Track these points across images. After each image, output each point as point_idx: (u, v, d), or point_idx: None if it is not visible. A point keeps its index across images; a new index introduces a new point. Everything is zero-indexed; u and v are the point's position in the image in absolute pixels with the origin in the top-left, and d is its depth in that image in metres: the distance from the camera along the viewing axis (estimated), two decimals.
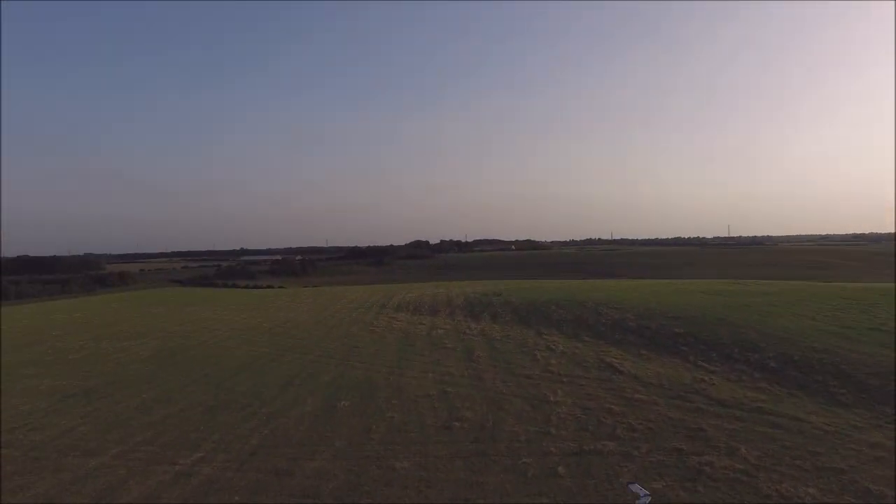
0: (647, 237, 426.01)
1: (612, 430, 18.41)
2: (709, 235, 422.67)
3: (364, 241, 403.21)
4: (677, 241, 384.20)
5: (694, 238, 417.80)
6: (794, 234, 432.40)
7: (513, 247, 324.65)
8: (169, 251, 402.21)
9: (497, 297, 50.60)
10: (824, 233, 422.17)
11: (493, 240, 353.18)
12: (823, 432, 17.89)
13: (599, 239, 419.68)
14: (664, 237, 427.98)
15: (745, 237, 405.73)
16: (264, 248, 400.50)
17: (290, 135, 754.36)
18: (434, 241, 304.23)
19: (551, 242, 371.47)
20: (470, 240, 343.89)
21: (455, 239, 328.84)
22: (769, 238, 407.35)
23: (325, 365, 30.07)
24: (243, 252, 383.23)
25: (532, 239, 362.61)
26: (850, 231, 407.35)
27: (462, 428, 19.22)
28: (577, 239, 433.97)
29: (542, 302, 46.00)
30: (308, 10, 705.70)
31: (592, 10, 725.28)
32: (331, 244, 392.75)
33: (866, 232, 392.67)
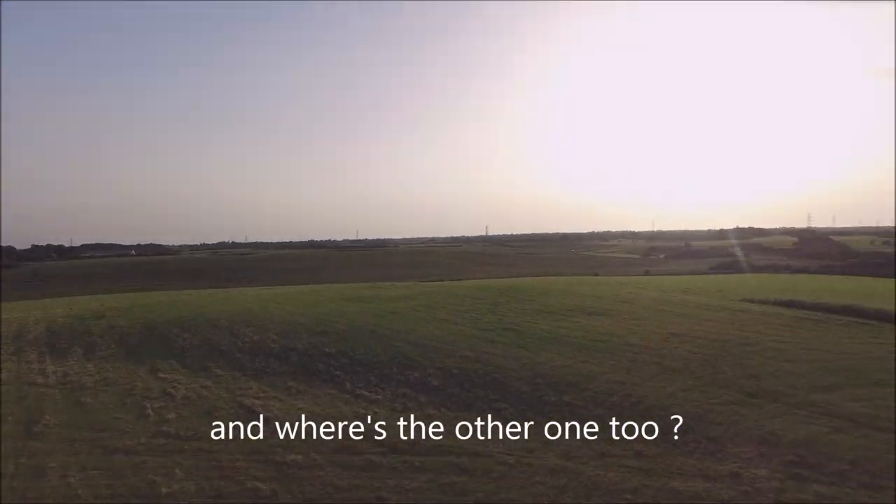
0: (281, 240, 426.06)
1: None
2: (339, 238, 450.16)
3: None
4: (311, 244, 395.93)
5: (326, 240, 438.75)
6: (410, 236, 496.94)
7: (133, 252, 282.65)
8: None
9: (97, 320, 38.00)
10: (431, 235, 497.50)
11: (109, 244, 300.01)
12: (508, 467, 15.54)
13: (234, 242, 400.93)
14: (297, 240, 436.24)
15: (371, 239, 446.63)
16: None
17: None
18: (23, 246, 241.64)
19: (180, 246, 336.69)
20: (77, 244, 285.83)
21: (56, 244, 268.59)
22: (391, 240, 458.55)
23: None
24: None
25: (157, 243, 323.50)
26: (450, 234, 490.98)
27: None
28: (210, 242, 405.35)
29: (161, 323, 35.90)
30: None
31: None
32: None
33: (459, 235, 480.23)
